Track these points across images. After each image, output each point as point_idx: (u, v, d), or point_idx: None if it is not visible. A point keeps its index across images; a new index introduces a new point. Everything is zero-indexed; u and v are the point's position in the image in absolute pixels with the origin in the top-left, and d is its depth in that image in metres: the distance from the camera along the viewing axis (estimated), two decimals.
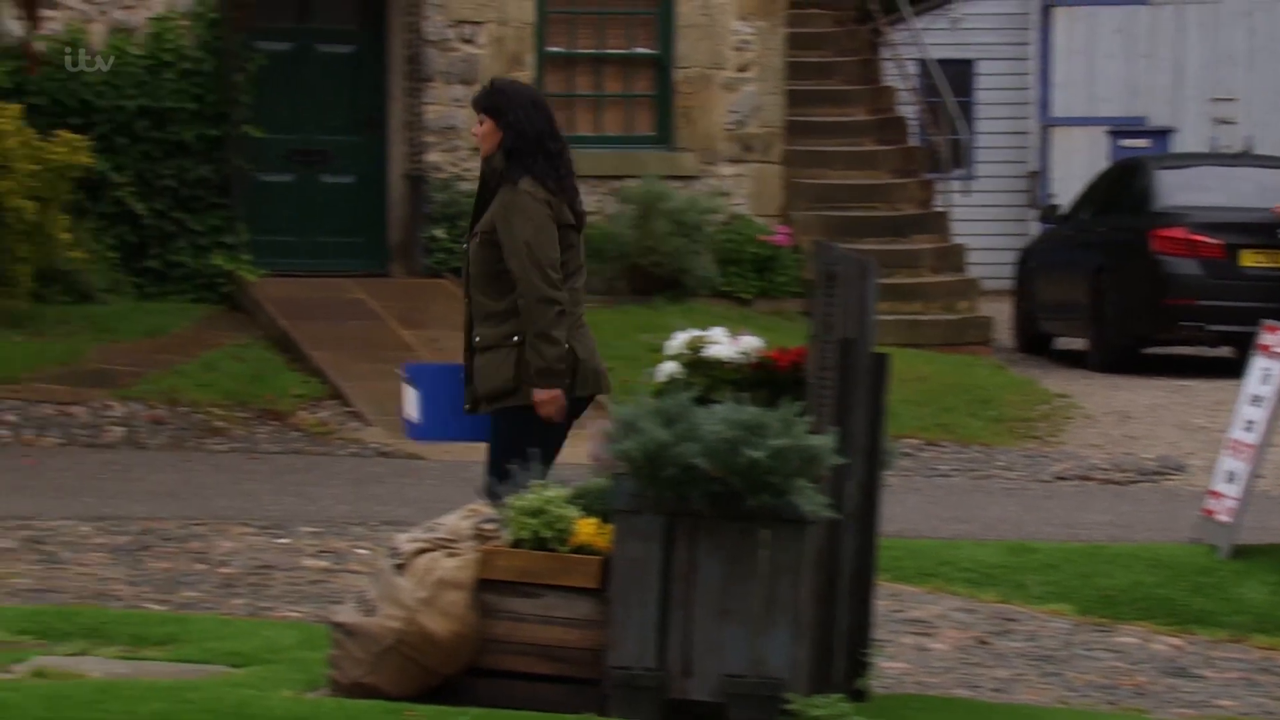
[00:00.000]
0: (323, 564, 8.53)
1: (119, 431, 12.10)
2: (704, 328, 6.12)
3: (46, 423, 12.01)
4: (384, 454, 12.16)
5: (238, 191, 15.38)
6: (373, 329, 14.65)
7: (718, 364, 6.00)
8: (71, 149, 13.65)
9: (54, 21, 14.23)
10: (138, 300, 14.97)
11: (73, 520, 9.02)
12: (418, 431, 7.06)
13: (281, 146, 15.78)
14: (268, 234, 15.58)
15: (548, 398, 6.67)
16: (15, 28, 14.37)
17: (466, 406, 6.84)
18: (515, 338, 6.71)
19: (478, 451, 12.99)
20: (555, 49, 16.40)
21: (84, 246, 14.31)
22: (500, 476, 6.81)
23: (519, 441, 6.70)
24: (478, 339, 6.83)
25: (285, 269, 15.42)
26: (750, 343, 6.04)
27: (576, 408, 6.74)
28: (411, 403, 7.01)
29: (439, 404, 7.02)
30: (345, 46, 16.08)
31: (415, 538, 6.03)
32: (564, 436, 6.76)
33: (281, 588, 7.99)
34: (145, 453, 11.71)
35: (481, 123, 6.80)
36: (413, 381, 7.04)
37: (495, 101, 6.75)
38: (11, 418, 12.01)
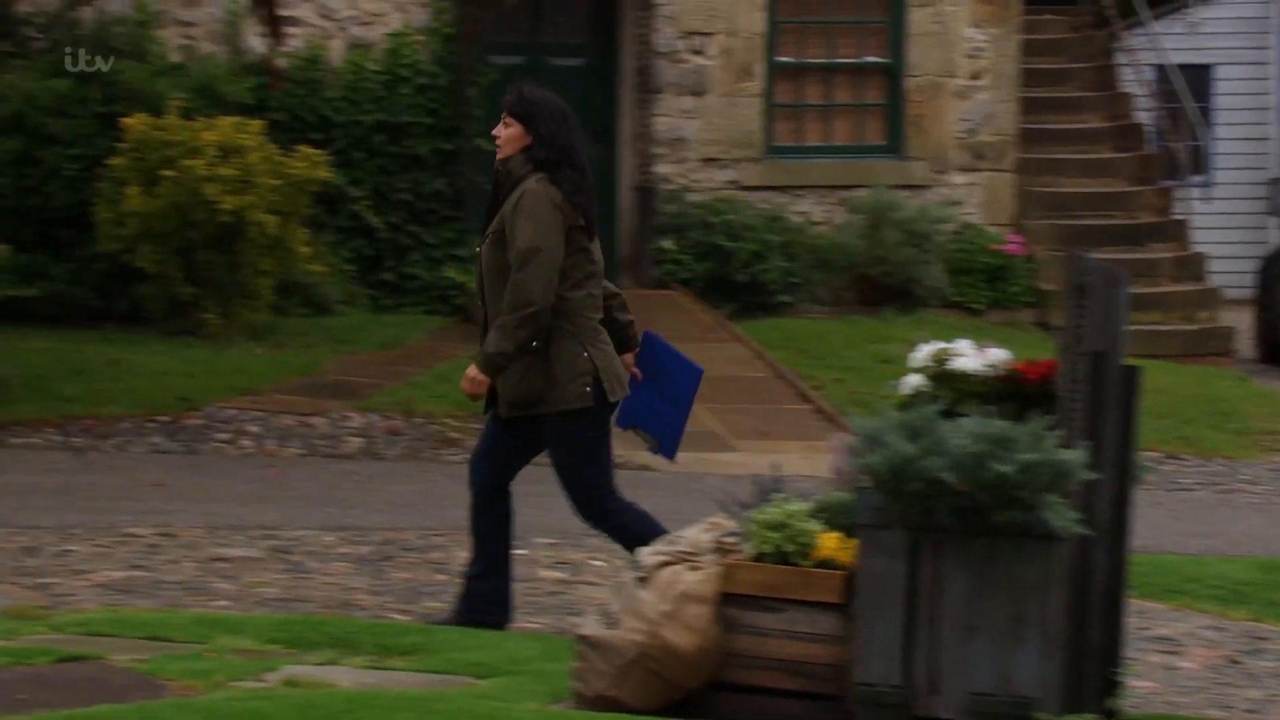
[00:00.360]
0: (559, 575, 8.56)
1: (357, 442, 12.28)
2: (939, 339, 6.03)
3: (288, 433, 12.23)
4: (616, 465, 12.14)
5: (470, 204, 15.55)
6: None
7: (964, 377, 5.91)
8: (311, 164, 13.91)
9: (295, 39, 14.50)
10: (373, 312, 15.21)
11: (316, 530, 9.15)
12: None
13: None
14: None
15: (477, 378, 6.79)
16: (258, 45, 14.69)
17: (500, 410, 6.95)
18: (534, 343, 6.75)
19: (710, 463, 12.99)
20: (785, 59, 16.35)
21: (322, 260, 14.57)
22: (580, 490, 6.98)
23: (584, 446, 6.87)
24: None
25: None
26: (997, 355, 5.93)
27: (608, 414, 6.83)
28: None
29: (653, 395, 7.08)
30: (576, 59, 16.18)
31: (657, 551, 6.02)
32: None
33: (519, 598, 8.02)
34: (383, 463, 11.87)
35: (508, 125, 6.83)
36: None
37: (529, 110, 6.79)
38: (254, 429, 12.25)
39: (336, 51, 15.38)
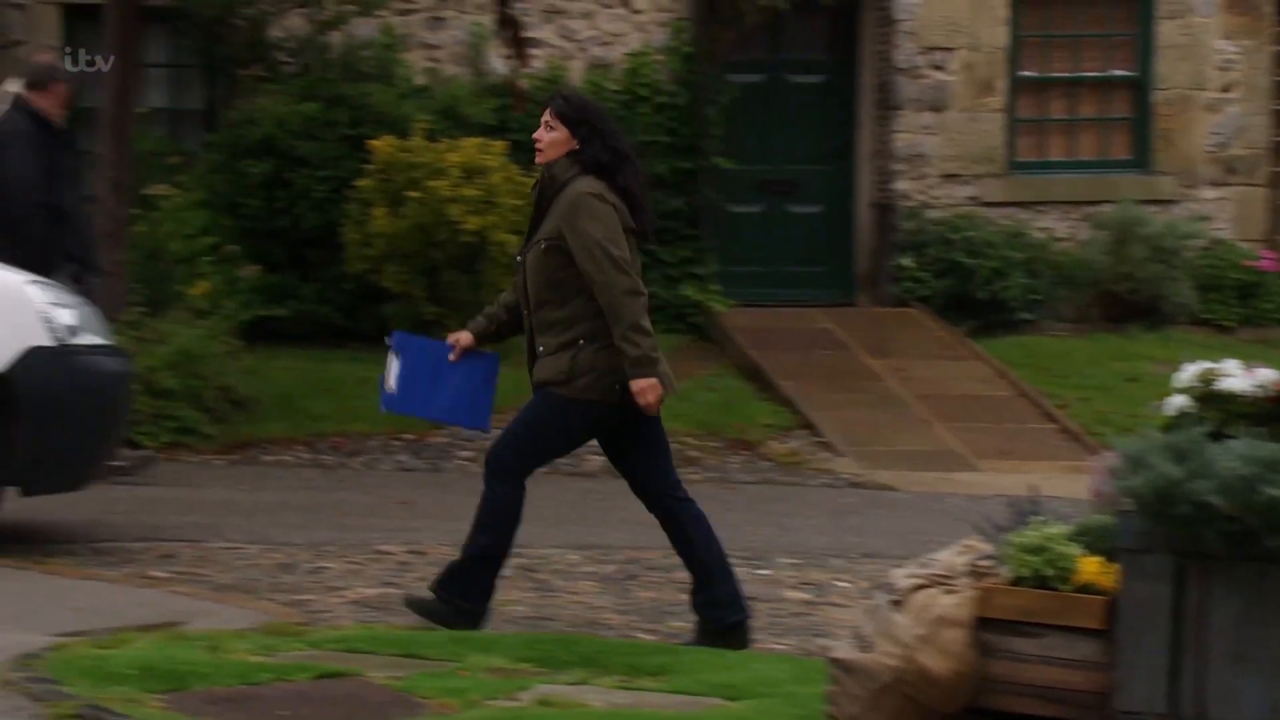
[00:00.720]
0: (804, 596, 8.50)
1: (598, 461, 12.31)
2: (1193, 357, 5.86)
3: None
4: (856, 484, 12.10)
5: (708, 223, 15.56)
6: (841, 359, 14.62)
7: (1232, 398, 5.74)
8: None
9: (536, 59, 14.64)
10: None
11: (561, 548, 9.19)
12: (390, 401, 7.14)
13: (751, 177, 15.92)
14: (736, 264, 15.73)
15: (646, 385, 6.75)
16: (500, 66, 14.86)
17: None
18: (580, 340, 6.75)
19: (951, 483, 12.79)
20: (1028, 73, 16.13)
21: None
22: (507, 442, 6.90)
23: (540, 421, 6.80)
24: (541, 349, 6.87)
25: (752, 299, 15.53)
26: (1267, 375, 5.75)
27: (602, 415, 6.82)
28: (392, 373, 7.03)
29: (416, 378, 7.02)
30: (815, 76, 16.12)
31: (911, 574, 5.93)
32: (651, 434, 6.90)
33: (765, 619, 7.98)
34: (623, 482, 11.86)
35: (552, 129, 6.76)
36: (397, 351, 7.07)
37: (577, 114, 6.76)
38: None
39: (576, 72, 15.49)
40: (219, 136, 14.62)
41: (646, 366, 6.76)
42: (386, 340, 7.35)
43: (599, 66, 15.54)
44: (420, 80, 15.13)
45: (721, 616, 7.11)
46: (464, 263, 13.88)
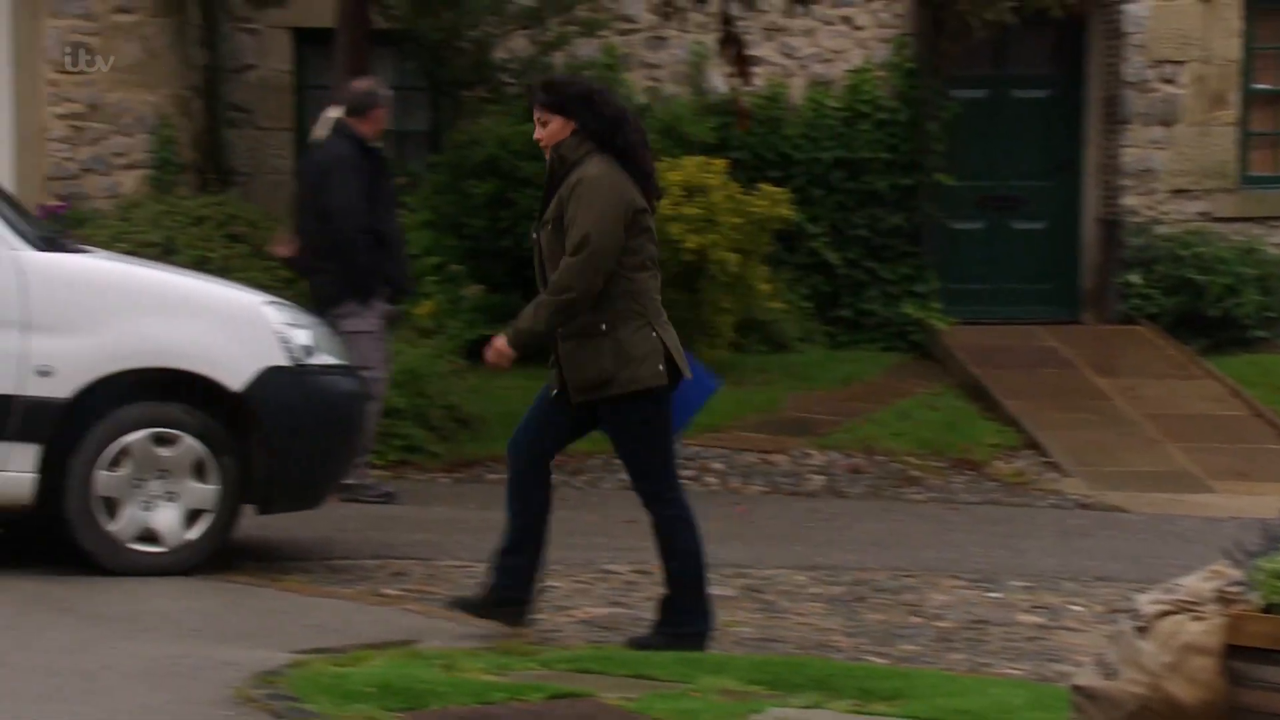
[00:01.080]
0: (1037, 620, 8.34)
1: (819, 480, 12.25)
2: None
3: (750, 471, 12.28)
4: (1084, 505, 11.87)
5: (928, 240, 15.41)
6: (1067, 377, 14.39)
7: None
8: (773, 202, 13.96)
9: (757, 78, 14.61)
10: (830, 349, 15.18)
11: (786, 569, 9.12)
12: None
13: (972, 193, 15.74)
14: (957, 282, 15.56)
15: (504, 350, 6.72)
16: (721, 84, 14.85)
17: (554, 391, 6.85)
18: (603, 325, 6.63)
19: (1184, 505, 12.50)
20: (1262, 86, 15.76)
21: (780, 297, 14.62)
22: (643, 476, 6.84)
23: (651, 428, 6.71)
24: (560, 330, 6.74)
25: (974, 316, 15.35)
26: None
27: (671, 394, 6.72)
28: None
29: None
30: (1040, 91, 15.89)
31: (1156, 599, 5.78)
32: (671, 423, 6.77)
33: (998, 643, 7.85)
34: (846, 501, 11.81)
35: (545, 123, 6.71)
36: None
37: (560, 97, 6.71)
38: (718, 466, 12.34)
39: (797, 89, 15.44)
40: (443, 157, 14.78)
41: (519, 340, 6.74)
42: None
43: (819, 84, 15.46)
44: (641, 99, 15.18)
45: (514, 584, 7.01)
46: (684, 281, 13.88)
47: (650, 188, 6.83)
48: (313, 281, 10.35)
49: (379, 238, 10.10)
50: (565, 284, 6.67)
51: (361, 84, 10.60)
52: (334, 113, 10.39)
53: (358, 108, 10.25)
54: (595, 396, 6.80)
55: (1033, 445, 12.99)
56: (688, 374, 6.91)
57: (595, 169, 6.68)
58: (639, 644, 7.04)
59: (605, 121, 6.73)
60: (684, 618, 7.05)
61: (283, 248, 10.68)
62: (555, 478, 12.14)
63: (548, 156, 6.81)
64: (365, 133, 10.21)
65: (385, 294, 10.27)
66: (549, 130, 6.77)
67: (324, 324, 8.78)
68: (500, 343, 6.84)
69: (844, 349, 15.21)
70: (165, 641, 6.71)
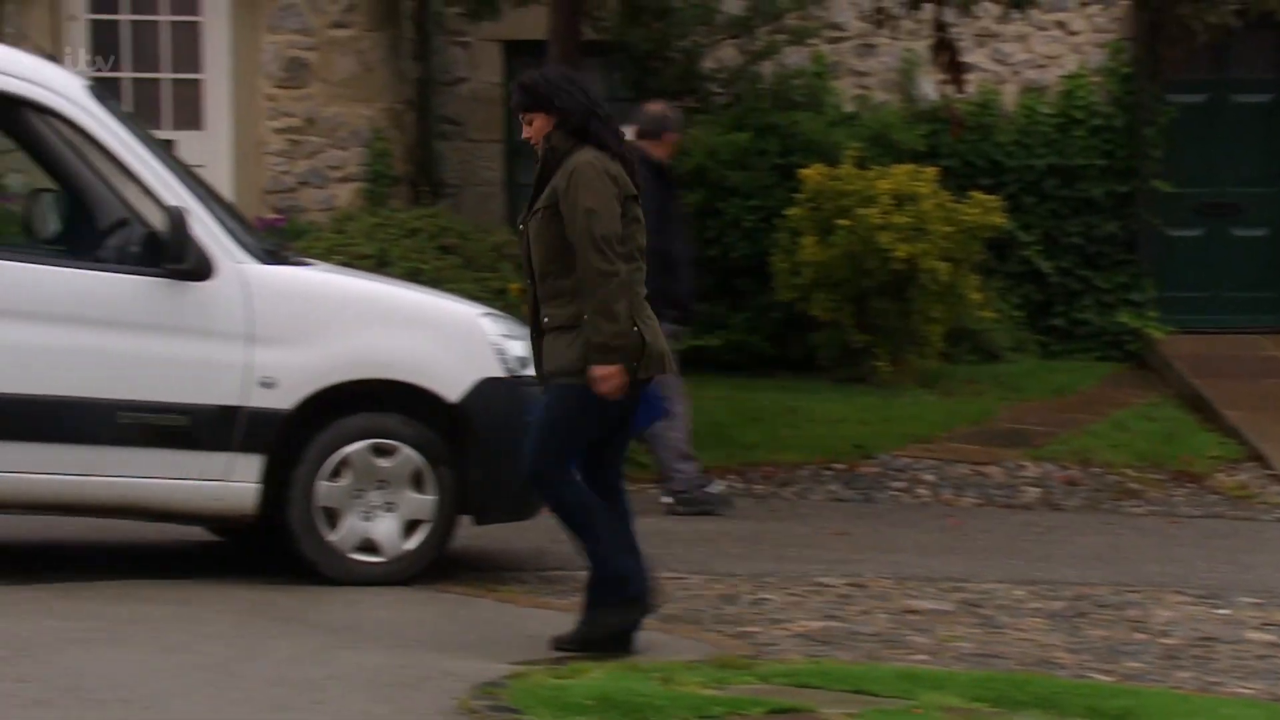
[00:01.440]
0: (1268, 637, 8.10)
1: (1034, 492, 12.05)
2: None
3: (963, 482, 12.11)
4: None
5: (1145, 247, 15.12)
6: None
7: None
8: (984, 209, 13.79)
9: (969, 84, 14.45)
10: (1042, 359, 14.96)
11: (1005, 583, 8.96)
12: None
13: (1190, 200, 15.42)
14: (1174, 290, 15.26)
15: (604, 374, 6.54)
16: (931, 92, 14.70)
17: (538, 377, 6.83)
18: (585, 316, 6.56)
19: None
20: None
21: (991, 306, 14.43)
22: (539, 450, 6.63)
23: (567, 419, 6.59)
24: (546, 319, 6.69)
25: (1192, 326, 15.04)
26: None
27: (638, 390, 6.62)
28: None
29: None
30: (1262, 95, 15.53)
31: None
32: (628, 419, 6.67)
33: (1227, 661, 7.63)
34: (1063, 514, 11.60)
35: (530, 122, 6.73)
36: None
37: (537, 95, 6.72)
38: (929, 477, 12.18)
39: (1009, 96, 15.24)
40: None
41: (606, 354, 6.56)
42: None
43: (1032, 90, 15.24)
44: (850, 107, 15.07)
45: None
46: (893, 290, 13.76)
47: (632, 176, 6.85)
48: None
49: (669, 261, 10.10)
50: (594, 270, 6.60)
51: (655, 107, 10.66)
52: (628, 135, 10.45)
53: (651, 130, 10.32)
54: (562, 382, 6.72)
55: (1256, 458, 12.67)
56: (669, 370, 6.80)
57: (588, 155, 6.76)
58: (565, 640, 6.84)
59: (578, 113, 6.79)
60: (598, 593, 6.84)
61: None
62: (763, 489, 12.08)
63: (539, 150, 6.88)
64: (658, 155, 10.26)
65: (671, 315, 10.24)
66: (535, 127, 6.85)
67: None
68: (597, 372, 6.65)
69: (1056, 359, 14.98)
70: (387, 651, 6.75)
